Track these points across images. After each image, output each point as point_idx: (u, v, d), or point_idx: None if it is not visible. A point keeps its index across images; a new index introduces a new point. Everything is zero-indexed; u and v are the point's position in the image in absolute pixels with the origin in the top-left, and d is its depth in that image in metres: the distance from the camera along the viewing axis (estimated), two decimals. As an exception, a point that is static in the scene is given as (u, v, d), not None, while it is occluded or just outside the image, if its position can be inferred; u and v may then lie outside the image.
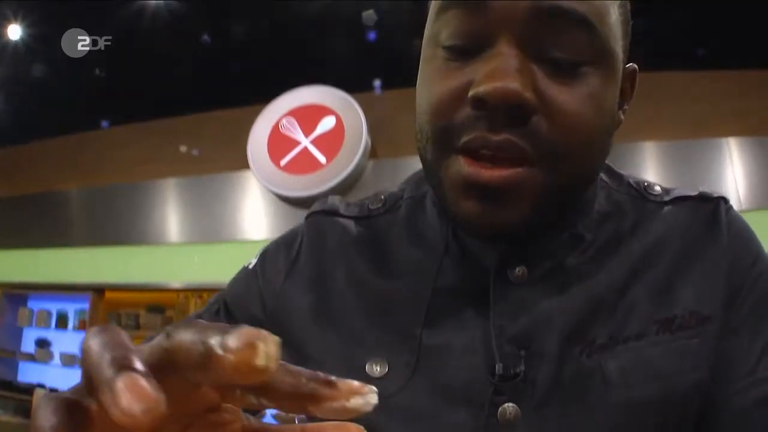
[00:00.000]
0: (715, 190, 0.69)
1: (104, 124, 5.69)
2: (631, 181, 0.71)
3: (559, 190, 0.58)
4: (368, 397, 0.33)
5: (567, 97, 0.54)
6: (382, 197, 0.74)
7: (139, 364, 0.28)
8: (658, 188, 0.70)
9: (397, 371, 0.63)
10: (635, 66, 0.65)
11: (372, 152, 4.36)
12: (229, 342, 0.28)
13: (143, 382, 0.27)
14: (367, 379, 0.64)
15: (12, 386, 4.98)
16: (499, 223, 0.57)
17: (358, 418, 0.57)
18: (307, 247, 0.73)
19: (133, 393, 0.26)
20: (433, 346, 0.63)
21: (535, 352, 0.61)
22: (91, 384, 0.29)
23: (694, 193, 0.68)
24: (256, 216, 4.46)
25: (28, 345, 5.29)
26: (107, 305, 4.87)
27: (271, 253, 0.76)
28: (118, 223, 4.80)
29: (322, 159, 4.30)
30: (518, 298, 0.62)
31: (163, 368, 0.30)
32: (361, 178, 4.20)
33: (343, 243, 0.72)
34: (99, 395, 0.27)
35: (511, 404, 0.59)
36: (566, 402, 0.60)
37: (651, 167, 3.96)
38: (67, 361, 4.86)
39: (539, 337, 0.61)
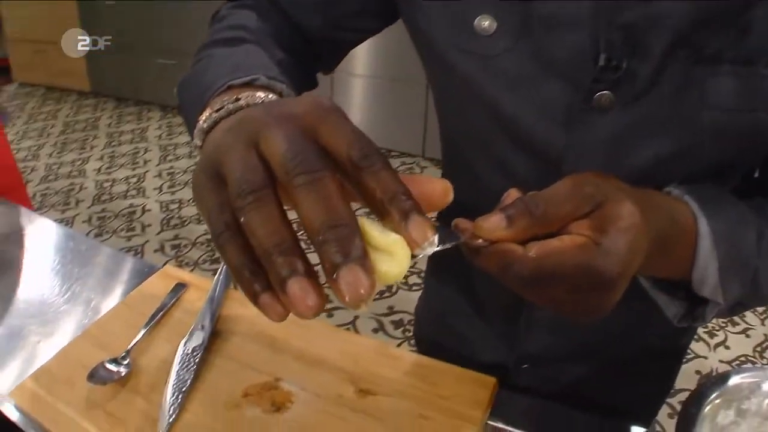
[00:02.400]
0: None
1: None
2: None
3: None
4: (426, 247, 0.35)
5: None
6: None
7: (356, 248, 0.33)
8: None
9: (505, 32, 0.63)
10: None
11: None
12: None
13: (365, 280, 0.33)
14: (475, 35, 0.64)
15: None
16: None
17: (464, 79, 0.65)
18: None
19: (354, 285, 0.32)
20: (543, 14, 0.61)
21: (641, 46, 0.59)
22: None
23: None
24: None
25: None
26: None
27: None
28: None
29: None
30: None
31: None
32: None
33: None
34: (327, 270, 0.33)
35: (607, 92, 0.61)
36: (659, 103, 0.60)
37: None
38: None
39: (649, 31, 0.58)
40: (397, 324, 2.62)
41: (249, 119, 0.41)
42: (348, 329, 2.53)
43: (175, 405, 0.72)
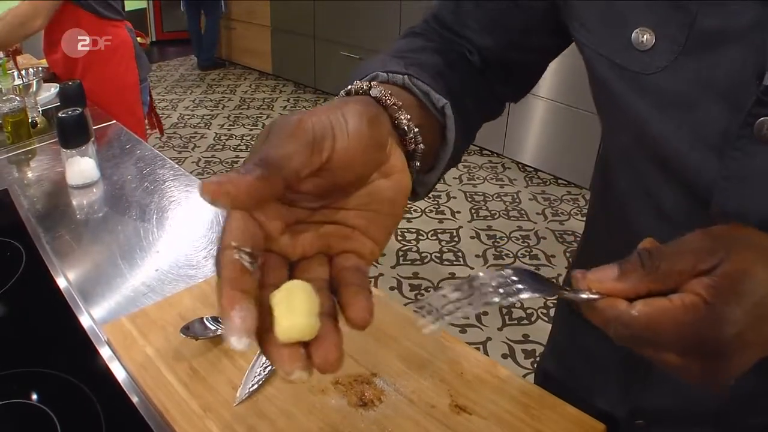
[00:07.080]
0: None
1: None
2: None
3: None
4: None
5: None
6: None
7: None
8: None
9: (663, 47, 0.56)
10: None
11: None
12: None
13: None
14: (632, 50, 0.58)
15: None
16: None
17: (614, 97, 0.60)
18: None
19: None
20: (707, 29, 0.53)
21: None
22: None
23: None
24: None
25: None
26: None
27: None
28: None
29: None
30: None
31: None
32: None
33: None
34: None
35: None
36: None
37: None
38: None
39: None
40: (529, 354, 2.51)
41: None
42: (477, 349, 2.46)
43: (262, 376, 0.70)
